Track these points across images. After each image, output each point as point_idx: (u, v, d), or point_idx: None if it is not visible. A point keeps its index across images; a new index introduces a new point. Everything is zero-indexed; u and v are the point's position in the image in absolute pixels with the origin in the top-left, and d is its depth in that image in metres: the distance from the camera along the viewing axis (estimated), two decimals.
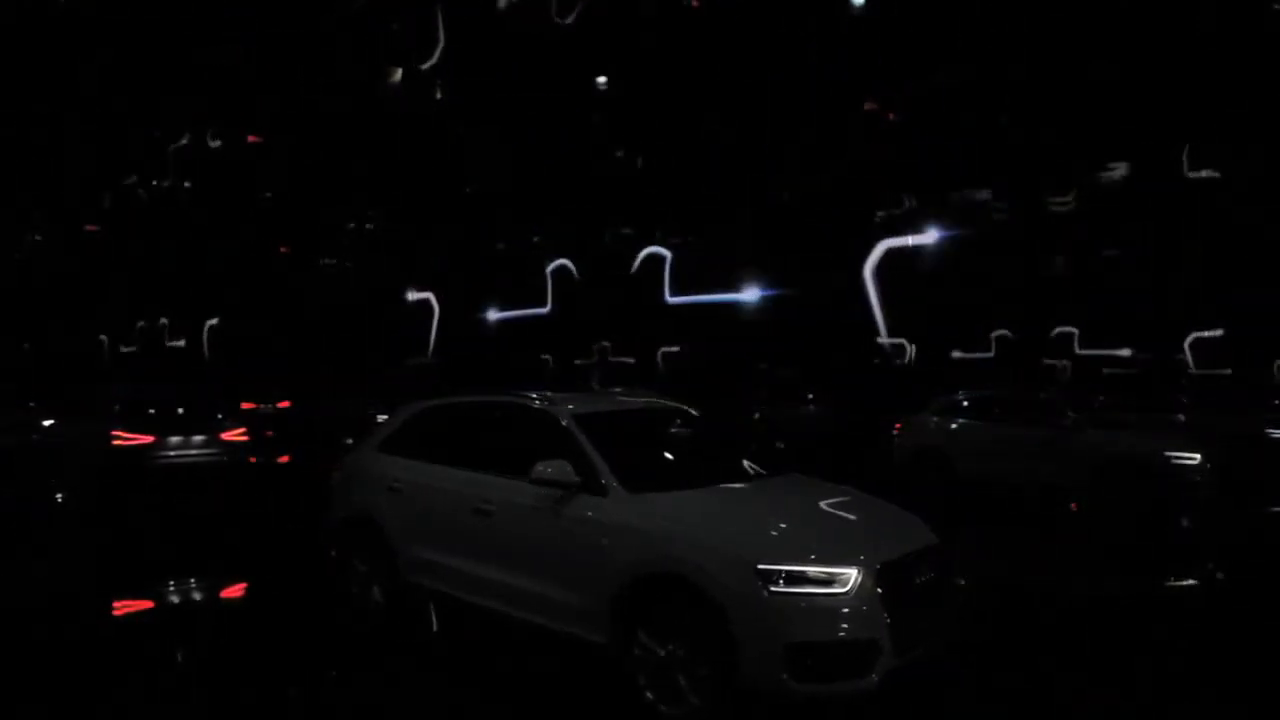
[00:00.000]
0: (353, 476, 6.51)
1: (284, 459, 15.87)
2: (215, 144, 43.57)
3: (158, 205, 45.53)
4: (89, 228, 47.47)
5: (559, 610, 4.86)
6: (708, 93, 29.66)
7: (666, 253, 31.86)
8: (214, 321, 42.30)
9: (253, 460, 13.99)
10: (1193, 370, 22.83)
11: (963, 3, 25.28)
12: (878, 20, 27.17)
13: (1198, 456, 11.10)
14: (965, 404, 13.27)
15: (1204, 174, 23.65)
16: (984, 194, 27.11)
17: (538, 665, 5.31)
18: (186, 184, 45.22)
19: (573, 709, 4.80)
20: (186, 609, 7.03)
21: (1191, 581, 8.38)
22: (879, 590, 4.14)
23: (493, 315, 36.56)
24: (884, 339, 26.60)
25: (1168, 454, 11.20)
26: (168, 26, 39.98)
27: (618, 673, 4.53)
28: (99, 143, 43.84)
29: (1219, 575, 8.59)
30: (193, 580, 7.64)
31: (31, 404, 16.65)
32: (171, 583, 7.53)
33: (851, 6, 28.15)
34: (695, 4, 31.84)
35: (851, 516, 4.98)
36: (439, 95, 38.25)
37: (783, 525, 4.66)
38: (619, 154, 34.79)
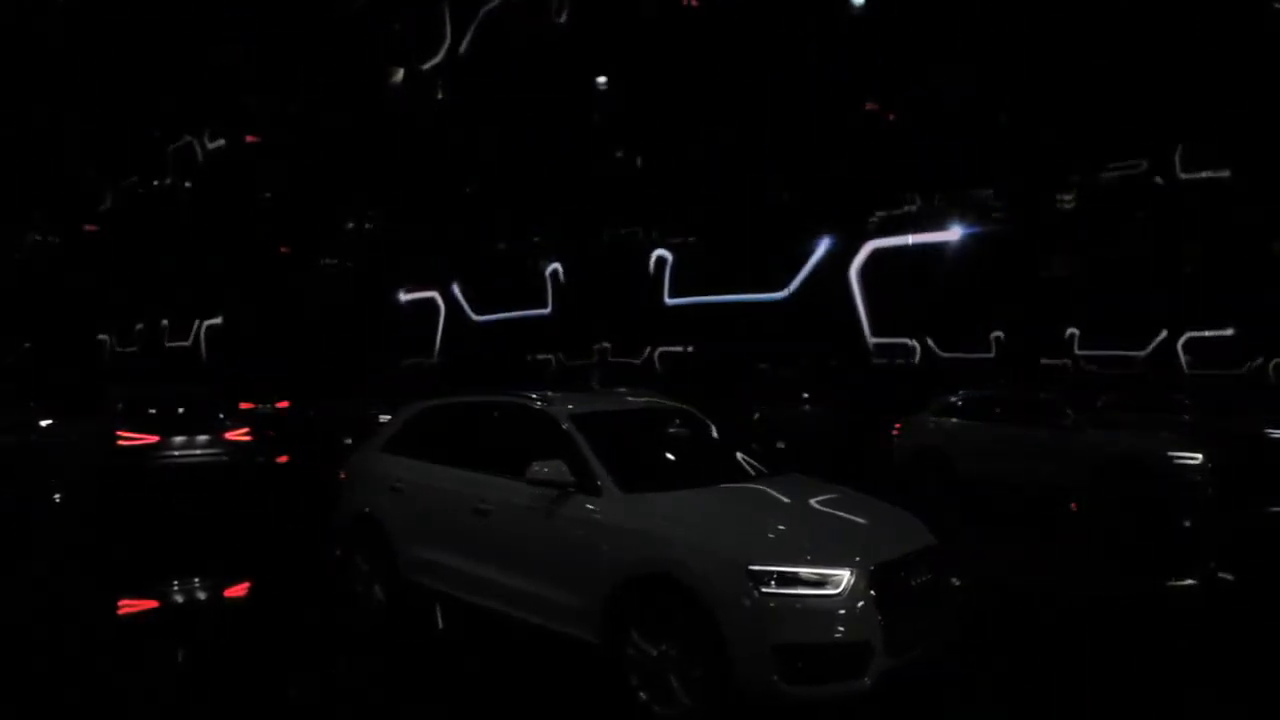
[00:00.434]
0: (357, 477, 6.54)
1: (283, 459, 15.87)
2: (215, 144, 43.59)
3: (158, 205, 45.55)
4: (89, 228, 47.51)
5: (555, 610, 4.86)
6: (707, 93, 29.66)
7: (668, 254, 31.88)
8: (214, 321, 42.31)
9: (258, 460, 13.99)
10: (1187, 370, 22.81)
11: (963, 3, 25.28)
12: (878, 20, 27.16)
13: (1198, 456, 11.07)
14: (965, 404, 13.24)
15: (1204, 174, 23.64)
16: (984, 194, 27.10)
17: (536, 665, 5.30)
18: (186, 184, 45.25)
19: (568, 709, 4.79)
20: (191, 608, 7.04)
21: (1191, 581, 8.36)
22: (873, 592, 4.11)
23: (493, 315, 36.53)
24: (870, 339, 26.55)
25: (1168, 454, 11.19)
26: (167, 26, 40.02)
27: (613, 673, 4.52)
28: (99, 143, 43.87)
29: (1219, 575, 8.58)
30: (196, 580, 7.65)
31: (31, 404, 16.64)
32: (176, 582, 7.55)
33: (851, 6, 28.15)
34: (695, 4, 31.84)
35: (849, 517, 4.94)
36: (439, 95, 38.27)
37: (778, 526, 4.63)
38: (619, 154, 34.80)
